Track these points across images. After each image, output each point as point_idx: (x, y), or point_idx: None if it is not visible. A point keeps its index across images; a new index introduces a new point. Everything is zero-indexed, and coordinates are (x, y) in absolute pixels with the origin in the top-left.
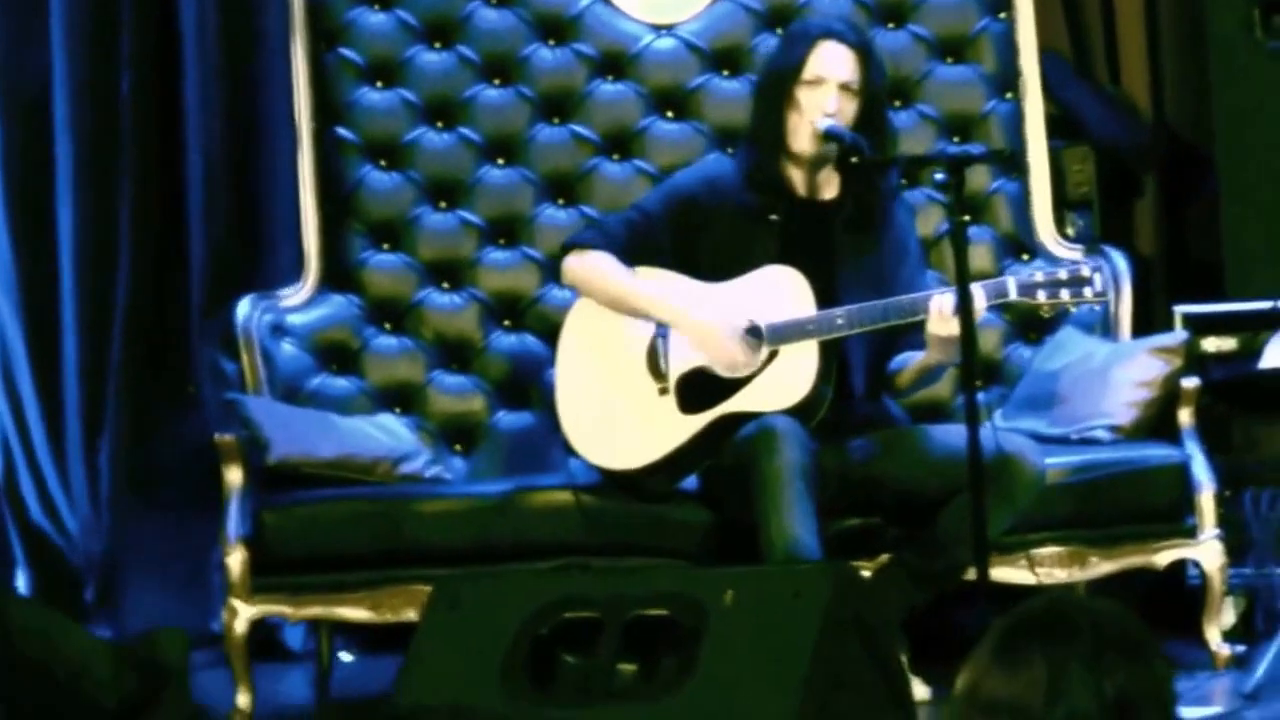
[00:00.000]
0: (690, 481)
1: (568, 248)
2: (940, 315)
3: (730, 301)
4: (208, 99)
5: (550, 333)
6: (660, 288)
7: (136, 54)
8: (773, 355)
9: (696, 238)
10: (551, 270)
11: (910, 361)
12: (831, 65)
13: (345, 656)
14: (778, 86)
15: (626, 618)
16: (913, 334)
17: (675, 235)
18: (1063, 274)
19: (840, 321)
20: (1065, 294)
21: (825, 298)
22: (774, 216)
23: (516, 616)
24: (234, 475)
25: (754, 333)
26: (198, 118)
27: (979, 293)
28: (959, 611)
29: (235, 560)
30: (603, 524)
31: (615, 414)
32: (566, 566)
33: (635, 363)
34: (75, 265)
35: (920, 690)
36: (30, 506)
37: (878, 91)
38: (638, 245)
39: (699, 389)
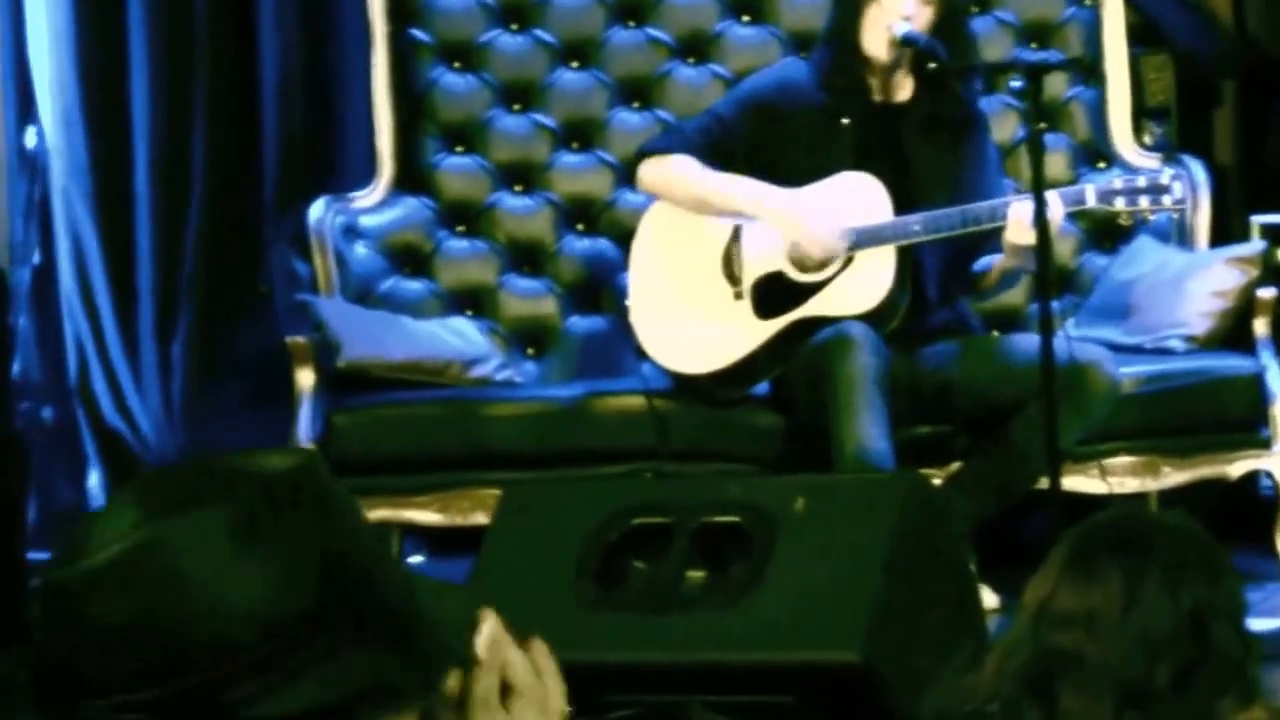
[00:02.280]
0: (762, 387)
1: (643, 154)
2: (1018, 223)
3: (809, 205)
4: (282, 1)
5: (623, 237)
6: (750, 186)
7: None
8: (848, 260)
9: (771, 142)
10: (625, 174)
11: (993, 264)
12: None
13: (415, 558)
14: None
15: (696, 525)
16: (993, 239)
17: (750, 140)
18: (1141, 181)
19: (917, 228)
20: (1144, 201)
21: (901, 203)
22: (846, 120)
23: (586, 522)
24: (305, 377)
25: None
26: (272, 19)
27: (1056, 200)
28: (1028, 520)
29: None
30: (674, 429)
31: (689, 318)
32: (637, 472)
33: (710, 267)
34: (150, 167)
35: (989, 598)
36: (104, 406)
37: None
38: (713, 150)
39: (774, 293)
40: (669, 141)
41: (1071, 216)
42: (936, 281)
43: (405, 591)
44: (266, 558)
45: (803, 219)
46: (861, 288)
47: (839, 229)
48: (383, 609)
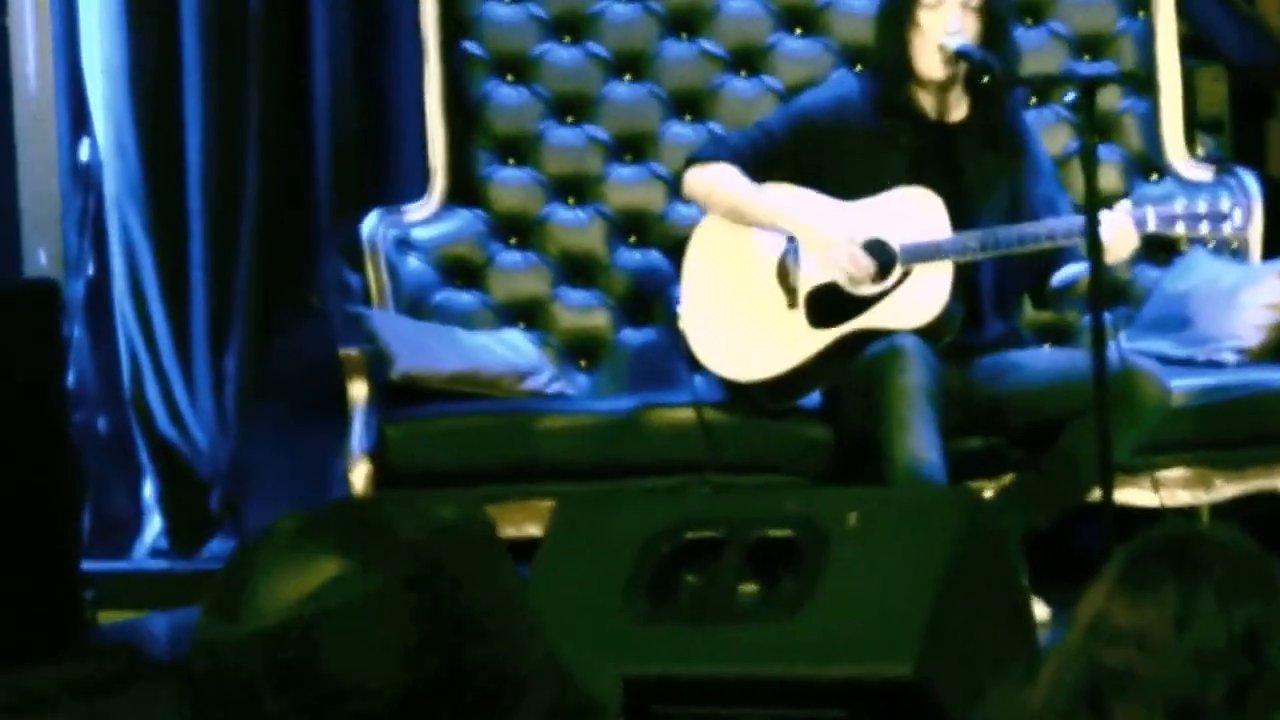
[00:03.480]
0: (814, 398)
1: (690, 162)
2: (1122, 236)
3: (863, 219)
4: (335, 12)
5: (675, 250)
6: (785, 200)
7: None
8: (905, 275)
9: (822, 159)
10: (677, 187)
11: (1078, 277)
12: None
13: None
14: (899, 9)
15: (749, 538)
16: (1057, 254)
17: (800, 156)
18: (1202, 206)
19: (974, 245)
20: (1204, 227)
21: (958, 220)
22: (901, 138)
23: (639, 535)
24: (358, 389)
25: (883, 250)
26: (325, 29)
27: (1130, 229)
28: (1080, 532)
29: (359, 474)
30: (725, 441)
31: (743, 326)
32: (688, 485)
33: (765, 276)
34: (202, 178)
35: (1040, 611)
36: (157, 416)
37: (1001, 8)
38: (759, 163)
39: (829, 304)
40: (716, 150)
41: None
42: (992, 296)
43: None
44: (406, 634)
45: (828, 240)
46: (917, 301)
47: (873, 249)
48: (508, 677)
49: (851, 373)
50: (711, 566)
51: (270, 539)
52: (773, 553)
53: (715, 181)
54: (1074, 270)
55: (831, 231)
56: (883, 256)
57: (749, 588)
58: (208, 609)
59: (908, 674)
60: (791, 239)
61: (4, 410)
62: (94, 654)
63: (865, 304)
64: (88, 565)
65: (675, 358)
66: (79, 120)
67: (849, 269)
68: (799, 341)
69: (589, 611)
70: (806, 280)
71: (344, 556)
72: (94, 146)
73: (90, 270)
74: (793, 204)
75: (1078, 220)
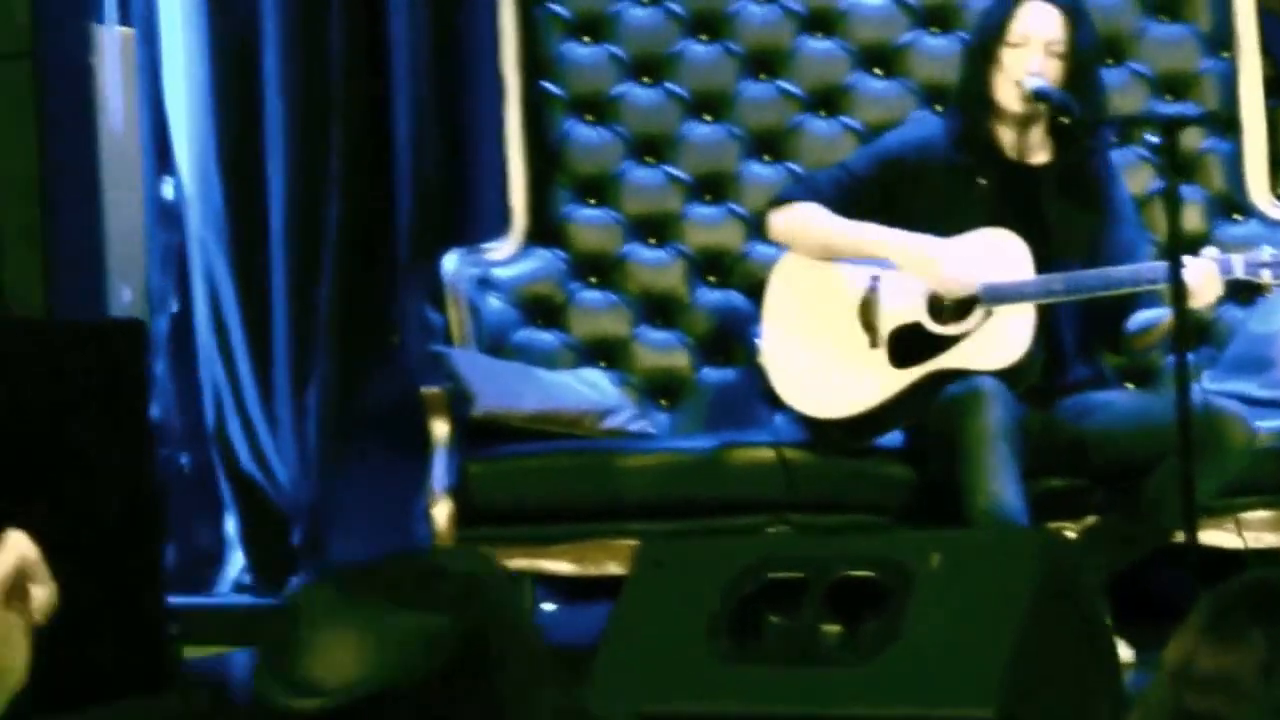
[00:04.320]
0: (895, 438)
1: (775, 203)
2: (1207, 283)
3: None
4: (415, 52)
5: (755, 289)
6: (879, 229)
7: (345, 3)
8: (987, 315)
9: (904, 200)
10: (757, 226)
11: (1158, 323)
12: (1035, 25)
13: (547, 607)
14: (983, 47)
15: (831, 579)
16: (1138, 297)
17: (882, 197)
18: None
19: (1059, 287)
20: None
21: (1040, 262)
22: (983, 180)
23: (722, 576)
24: (440, 427)
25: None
26: (405, 70)
27: (1215, 276)
28: (1162, 574)
29: (441, 511)
30: (806, 480)
31: (824, 364)
32: (768, 524)
33: (847, 314)
34: (284, 217)
35: (1124, 653)
36: (240, 453)
37: (1086, 51)
38: (843, 202)
39: (911, 344)
40: (800, 191)
41: None
42: (1074, 338)
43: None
44: (465, 695)
45: (935, 260)
46: (999, 343)
47: (973, 273)
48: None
49: (931, 413)
50: (794, 607)
51: (317, 603)
52: (855, 593)
53: (803, 219)
54: (1152, 314)
55: (934, 249)
56: (964, 297)
57: (831, 628)
58: (266, 674)
59: (991, 716)
60: (875, 279)
61: (91, 447)
62: (179, 690)
63: (946, 344)
64: (172, 600)
65: (755, 397)
66: (163, 159)
67: (956, 280)
68: (880, 381)
69: (672, 651)
70: (889, 319)
71: (408, 617)
72: (178, 185)
73: (174, 307)
74: (889, 233)
75: (1162, 265)
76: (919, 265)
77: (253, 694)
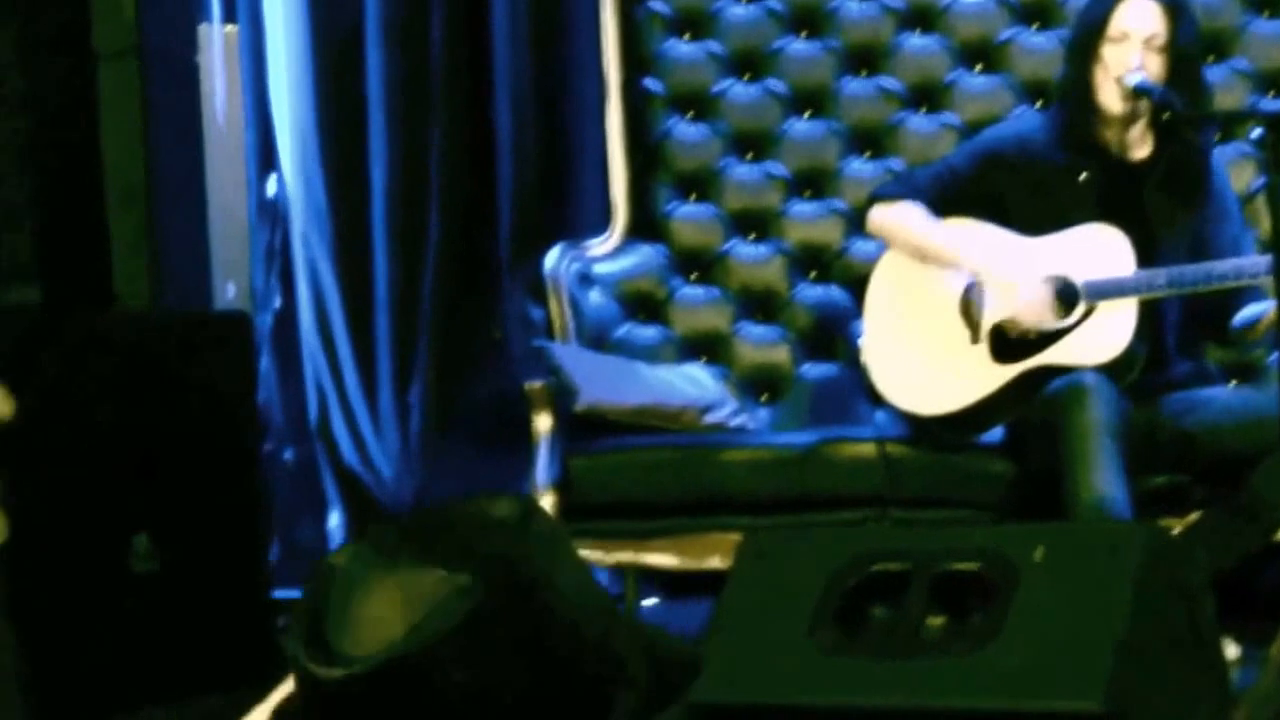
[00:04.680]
0: (995, 433)
1: (874, 198)
2: None
3: (1047, 255)
4: (517, 49)
5: (855, 285)
6: (969, 238)
7: (447, 0)
8: (1089, 312)
9: (1007, 195)
10: (857, 222)
11: (1263, 315)
12: (1135, 20)
13: (649, 601)
14: (1084, 43)
15: (935, 571)
16: (1243, 292)
17: (985, 192)
18: None
19: (1161, 282)
20: None
21: (1141, 258)
22: (1084, 175)
23: (825, 568)
24: (543, 421)
25: (1068, 289)
26: (507, 68)
27: None
28: (1268, 570)
29: (544, 505)
30: (907, 475)
31: (926, 360)
32: (869, 519)
33: (948, 310)
34: (387, 213)
35: (1230, 650)
36: (343, 449)
37: (1188, 47)
38: (944, 199)
39: (1012, 340)
40: (900, 188)
41: None
42: (1177, 334)
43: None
44: (508, 640)
45: (1013, 288)
46: (1101, 339)
47: (1062, 291)
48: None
49: (1034, 408)
50: (898, 599)
51: (349, 567)
52: (959, 586)
53: (899, 220)
54: (1258, 308)
55: (1016, 273)
56: (1067, 293)
57: (936, 620)
58: (302, 642)
59: (1097, 709)
60: (976, 275)
61: (199, 440)
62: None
63: (1048, 340)
64: (277, 594)
65: (855, 392)
66: (267, 157)
67: (1033, 311)
68: (981, 377)
69: (776, 643)
70: (990, 316)
71: (432, 577)
72: (281, 182)
73: (277, 304)
74: (977, 243)
75: (1265, 259)
76: (999, 289)
77: (286, 657)
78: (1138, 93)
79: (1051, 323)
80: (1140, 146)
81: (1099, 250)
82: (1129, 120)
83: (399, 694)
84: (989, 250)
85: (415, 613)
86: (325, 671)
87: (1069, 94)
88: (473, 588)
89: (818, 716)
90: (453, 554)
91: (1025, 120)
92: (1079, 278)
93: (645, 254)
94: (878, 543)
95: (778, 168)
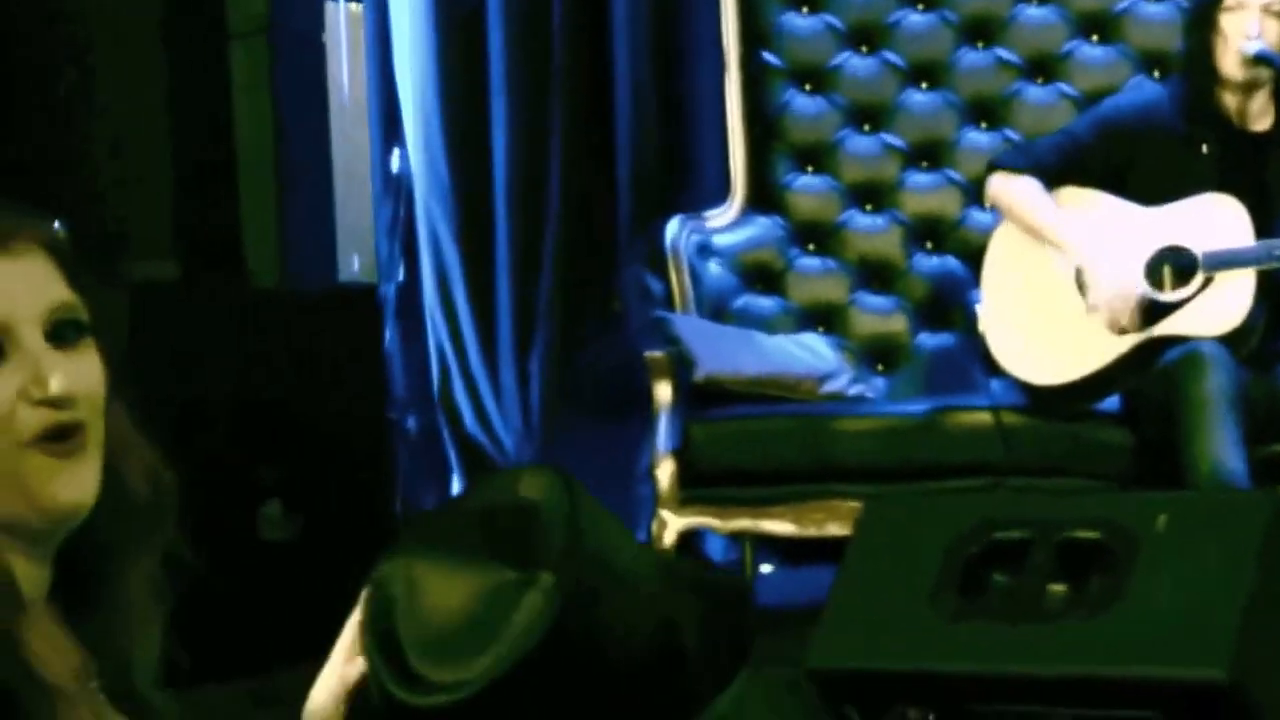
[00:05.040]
0: (1111, 402)
1: (993, 167)
2: None
3: (1166, 225)
4: (636, 23)
5: (971, 255)
6: (1080, 222)
7: None
8: (1207, 281)
9: (1127, 166)
10: (974, 194)
11: None
12: None
13: (765, 568)
14: (1202, 13)
15: (1056, 539)
16: None
17: (1105, 163)
18: None
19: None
20: None
21: (1262, 228)
22: (1206, 146)
23: (946, 535)
24: (663, 390)
25: (1185, 257)
26: (626, 42)
27: None
28: None
29: (665, 473)
30: (1023, 444)
31: (1042, 330)
32: (985, 488)
33: (1065, 280)
34: (508, 186)
35: None
36: (465, 417)
37: None
38: (1066, 170)
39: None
40: (1020, 157)
41: None
42: None
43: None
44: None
45: (1103, 281)
46: (1219, 309)
47: (1134, 304)
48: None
49: (1151, 378)
50: (1019, 566)
51: (412, 575)
52: (1080, 554)
53: (1015, 196)
54: None
55: (1108, 275)
56: (1184, 263)
57: (1057, 588)
58: (382, 669)
59: (1222, 676)
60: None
61: (328, 410)
62: None
63: (1166, 310)
64: None
65: (972, 362)
66: (391, 131)
67: (1113, 313)
68: (1098, 347)
69: (898, 610)
70: None
71: (507, 578)
72: (404, 156)
73: (400, 276)
74: (1087, 229)
75: None
76: (1089, 281)
77: (374, 691)
78: (1257, 60)
79: (1170, 293)
80: (1262, 118)
81: (1217, 220)
82: (1250, 89)
83: (501, 711)
84: (1099, 237)
85: (503, 621)
86: (423, 700)
87: (1190, 64)
88: (555, 586)
89: (939, 682)
90: (511, 548)
91: (1145, 90)
92: (1197, 248)
93: (763, 225)
94: (999, 510)
95: (895, 139)
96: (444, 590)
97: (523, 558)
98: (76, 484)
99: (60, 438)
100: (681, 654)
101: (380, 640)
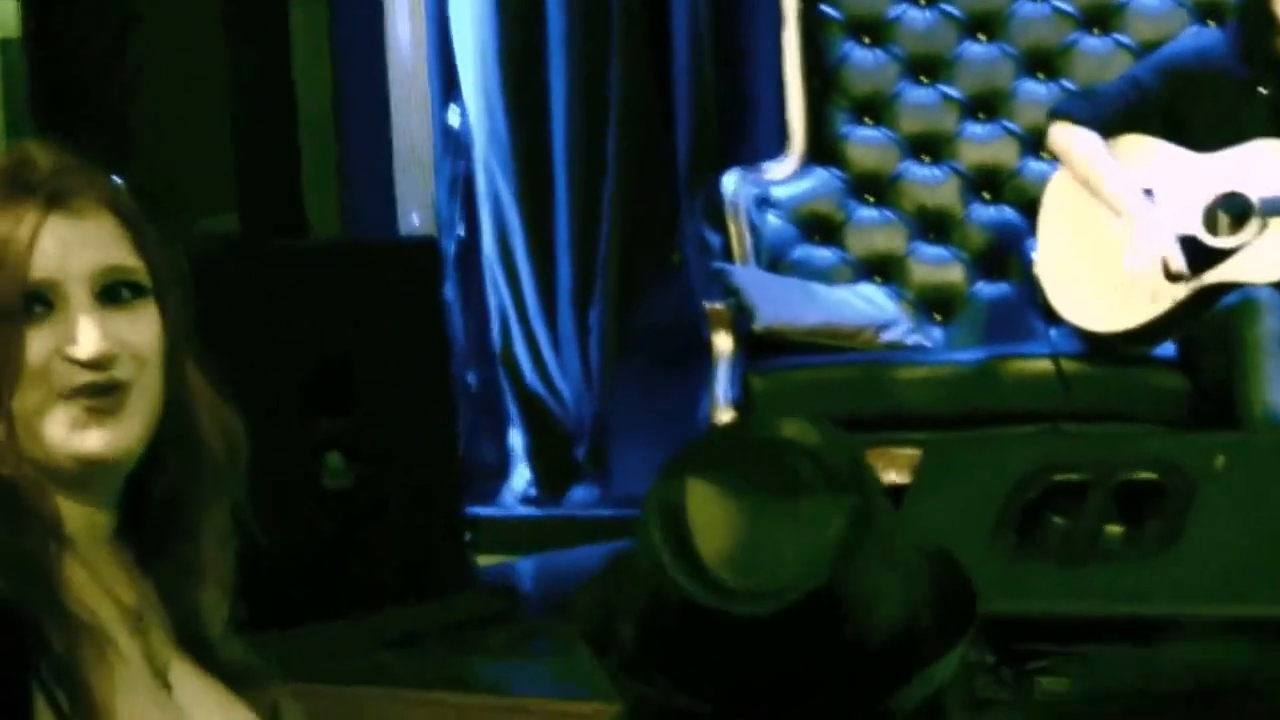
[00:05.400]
0: (1167, 348)
1: (1055, 115)
2: None
3: (1222, 170)
4: None
5: (1028, 205)
6: (1127, 182)
7: None
8: (1264, 226)
9: (1187, 110)
10: (1031, 144)
11: None
12: None
13: None
14: None
15: (1114, 481)
16: None
17: (1166, 108)
18: None
19: None
20: None
21: None
22: (1263, 90)
23: (1005, 478)
24: (723, 341)
25: (1241, 203)
26: None
27: None
28: None
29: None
30: (1079, 391)
31: (1099, 277)
32: (1048, 431)
33: (1121, 228)
34: (566, 140)
35: None
36: (525, 371)
37: None
38: (1127, 116)
39: (1186, 256)
40: (1081, 105)
41: None
42: None
43: None
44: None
45: (1148, 244)
46: (1275, 255)
47: (1160, 291)
48: None
49: (1207, 324)
50: (1077, 508)
51: (702, 500)
52: (1138, 495)
53: (1071, 148)
54: None
55: (1153, 236)
56: (1240, 209)
57: (1115, 529)
58: (691, 586)
59: None
60: (1148, 192)
61: (392, 362)
62: (479, 593)
63: (1222, 256)
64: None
65: (1029, 311)
66: (449, 87)
67: (1146, 282)
68: (1155, 294)
69: (957, 550)
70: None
71: (819, 500)
72: (463, 112)
73: (460, 232)
74: (1133, 186)
75: None
76: (1139, 238)
77: (672, 603)
78: None
79: (1226, 239)
80: None
81: (1274, 166)
82: None
83: (823, 627)
84: (1141, 205)
85: (810, 536)
86: (744, 607)
87: (1248, 11)
88: (860, 509)
89: (998, 623)
90: (798, 477)
91: (1203, 36)
92: (1254, 193)
93: (821, 177)
94: (1057, 453)
95: (952, 90)
96: (738, 507)
97: (815, 485)
98: (109, 438)
99: (95, 394)
100: (921, 626)
101: (676, 550)
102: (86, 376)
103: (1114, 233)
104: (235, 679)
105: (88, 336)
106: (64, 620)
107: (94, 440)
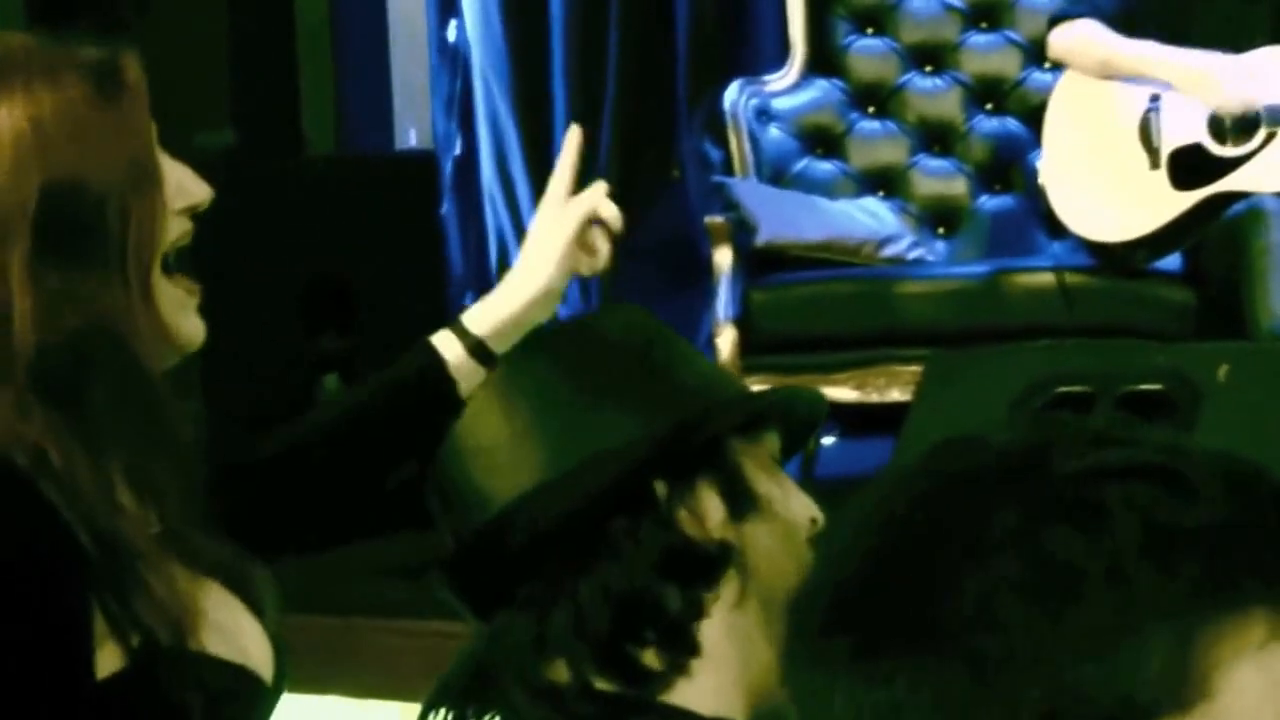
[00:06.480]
0: (1174, 261)
1: (1054, 20)
2: None
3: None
4: None
5: (1032, 116)
6: (1157, 48)
7: None
8: (1270, 136)
9: (1187, 15)
10: (1034, 54)
11: None
12: None
13: (827, 439)
14: None
15: (1119, 392)
16: None
17: (1166, 11)
18: None
19: None
20: None
21: None
22: None
23: (1009, 391)
24: (723, 256)
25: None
26: None
27: None
28: None
29: (725, 340)
30: (1085, 304)
31: (1104, 187)
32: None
33: (1126, 136)
34: (565, 56)
35: None
36: None
37: None
38: (1127, 20)
39: (1191, 165)
40: (1080, 11)
41: None
42: None
43: None
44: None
45: (1214, 78)
46: None
47: (1254, 90)
48: None
49: (1213, 234)
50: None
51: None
52: (1143, 405)
53: (1083, 36)
54: None
55: (1214, 66)
56: (1247, 117)
57: None
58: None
59: None
60: (1155, 99)
61: (388, 278)
62: None
63: (1229, 166)
64: None
65: (1032, 224)
66: (447, 2)
67: (1237, 97)
68: (1161, 203)
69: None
70: (1170, 141)
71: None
72: (461, 27)
73: (458, 149)
74: (1169, 52)
75: None
76: (1198, 84)
77: None
78: None
79: (1233, 147)
80: None
81: (1277, 73)
82: None
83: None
84: (1175, 56)
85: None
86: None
87: None
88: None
89: None
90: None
91: None
92: (1260, 101)
93: (823, 89)
94: (1061, 364)
95: (955, 0)
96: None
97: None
98: (201, 328)
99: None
100: None
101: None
102: (188, 226)
103: (1121, 140)
104: (216, 570)
105: (199, 184)
106: (127, 546)
107: (197, 325)
